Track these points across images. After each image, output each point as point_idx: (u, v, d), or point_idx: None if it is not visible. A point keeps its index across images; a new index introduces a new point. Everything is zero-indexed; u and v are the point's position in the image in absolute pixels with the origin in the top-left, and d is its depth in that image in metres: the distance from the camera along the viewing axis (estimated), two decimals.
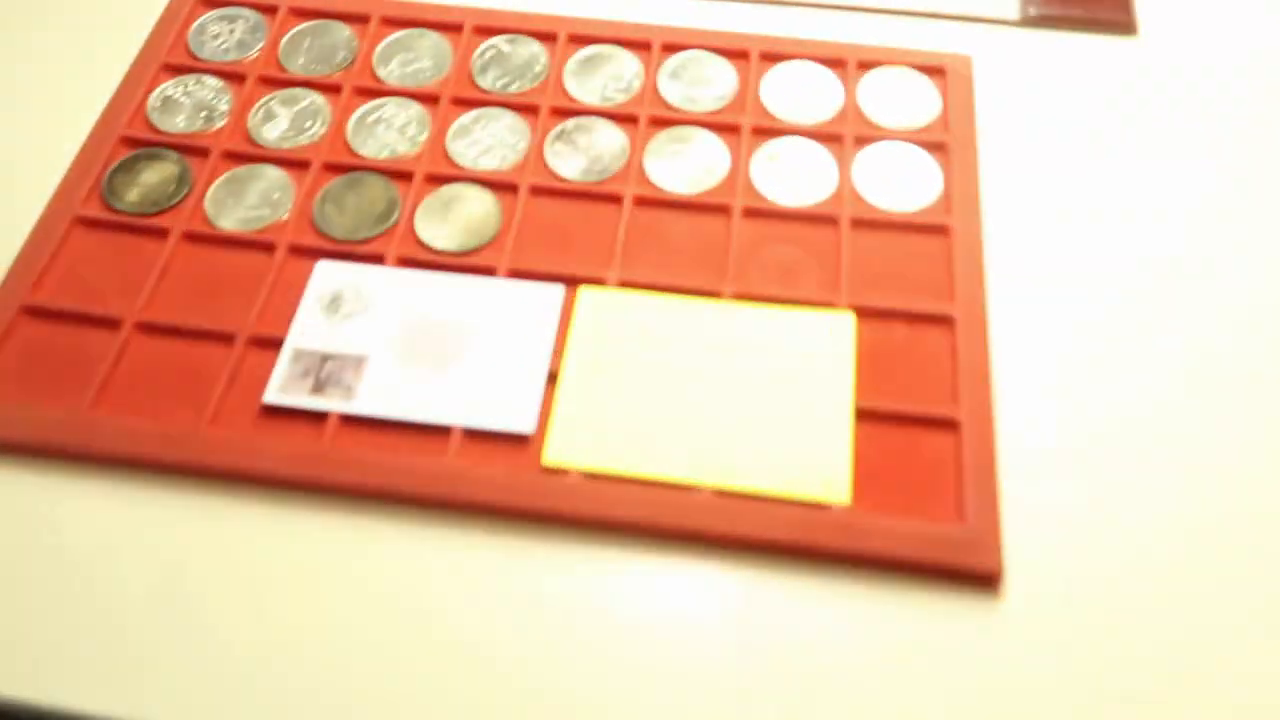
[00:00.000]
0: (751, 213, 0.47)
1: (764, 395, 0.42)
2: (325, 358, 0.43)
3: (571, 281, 0.45)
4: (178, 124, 0.51)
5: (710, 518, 0.39)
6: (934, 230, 0.47)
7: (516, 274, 0.46)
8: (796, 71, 0.52)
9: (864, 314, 0.44)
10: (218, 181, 0.49)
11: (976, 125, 0.50)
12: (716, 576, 0.38)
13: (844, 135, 0.50)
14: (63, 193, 0.48)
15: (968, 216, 0.47)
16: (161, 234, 0.47)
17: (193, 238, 0.47)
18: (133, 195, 0.48)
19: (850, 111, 0.51)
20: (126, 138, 0.50)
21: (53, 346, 0.44)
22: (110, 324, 0.44)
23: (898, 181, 0.48)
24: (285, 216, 0.48)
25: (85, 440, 0.41)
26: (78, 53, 0.55)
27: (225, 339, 0.44)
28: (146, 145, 0.50)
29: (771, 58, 0.53)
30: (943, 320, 0.44)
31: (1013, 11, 0.56)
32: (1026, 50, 0.54)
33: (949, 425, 0.41)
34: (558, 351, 0.43)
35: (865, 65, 0.52)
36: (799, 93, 0.51)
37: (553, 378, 0.42)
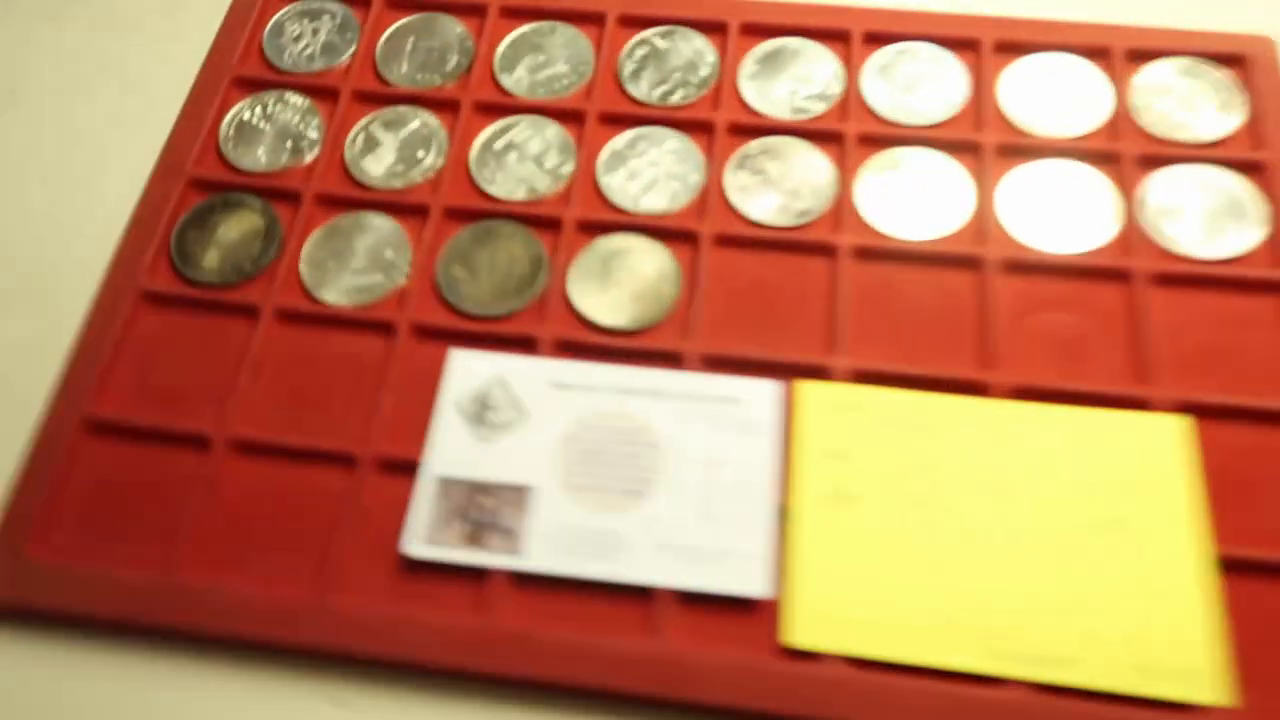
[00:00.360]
0: (1012, 266, 0.36)
1: (1074, 542, 0.31)
2: (476, 489, 0.33)
3: (786, 372, 0.34)
4: (258, 159, 0.40)
5: None
6: (1264, 288, 0.35)
7: (711, 362, 0.35)
8: (1045, 66, 0.40)
9: (1197, 414, 0.33)
10: (314, 236, 0.38)
11: None
12: None
13: (1120, 154, 0.38)
14: (123, 259, 0.38)
15: None
16: (249, 313, 0.37)
17: (289, 316, 0.37)
18: (210, 259, 0.38)
19: (1123, 120, 0.39)
20: (197, 179, 0.40)
21: (124, 477, 0.34)
22: (196, 443, 0.34)
23: (1200, 217, 0.36)
24: (402, 283, 0.37)
25: (174, 614, 0.31)
26: (129, 64, 0.44)
27: (343, 462, 0.34)
28: (222, 188, 0.39)
29: (1010, 48, 0.40)
30: None
31: None
32: None
33: None
34: (784, 475, 0.33)
35: (1137, 56, 0.40)
36: (1051, 95, 0.39)
37: (783, 514, 0.32)
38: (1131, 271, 0.35)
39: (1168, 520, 0.31)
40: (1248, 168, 0.37)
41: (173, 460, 0.34)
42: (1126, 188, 0.37)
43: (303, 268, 0.37)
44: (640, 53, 0.42)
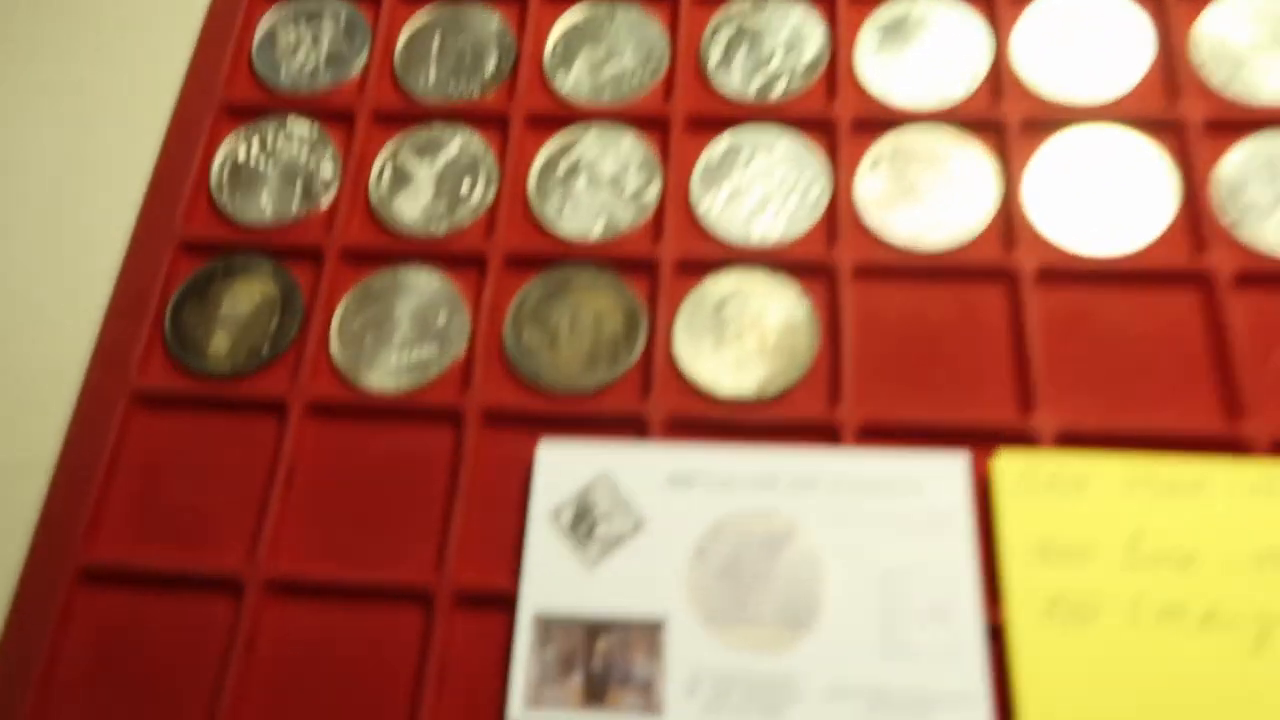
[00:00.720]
0: (1248, 277, 0.28)
1: None
2: (591, 629, 0.26)
3: (973, 439, 0.27)
4: (263, 209, 0.32)
5: None
6: None
7: (873, 433, 0.27)
8: (1243, 8, 0.32)
9: None
10: (344, 304, 0.30)
11: None
12: None
13: None
14: (108, 352, 0.30)
15: None
16: (274, 409, 0.29)
17: (325, 410, 0.29)
18: (218, 343, 0.30)
19: None
20: (189, 242, 0.31)
21: (135, 637, 0.26)
22: (224, 586, 0.27)
23: None
24: (461, 355, 0.30)
25: None
26: (88, 99, 0.35)
27: (415, 599, 0.26)
28: (222, 249, 0.31)
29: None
30: None
31: None
32: None
33: None
34: (989, 583, 0.25)
35: None
36: (1250, 49, 0.31)
37: (995, 634, 0.25)
38: None
39: None
40: None
41: (196, 610, 0.27)
42: None
43: (334, 345, 0.30)
44: (726, 34, 0.33)
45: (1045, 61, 0.31)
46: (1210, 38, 0.31)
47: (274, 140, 0.33)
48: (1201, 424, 0.26)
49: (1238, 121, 0.30)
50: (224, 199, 0.32)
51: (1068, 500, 0.26)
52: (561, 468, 0.27)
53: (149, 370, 0.30)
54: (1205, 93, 0.31)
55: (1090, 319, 0.28)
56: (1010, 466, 0.26)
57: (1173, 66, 0.31)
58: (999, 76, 0.31)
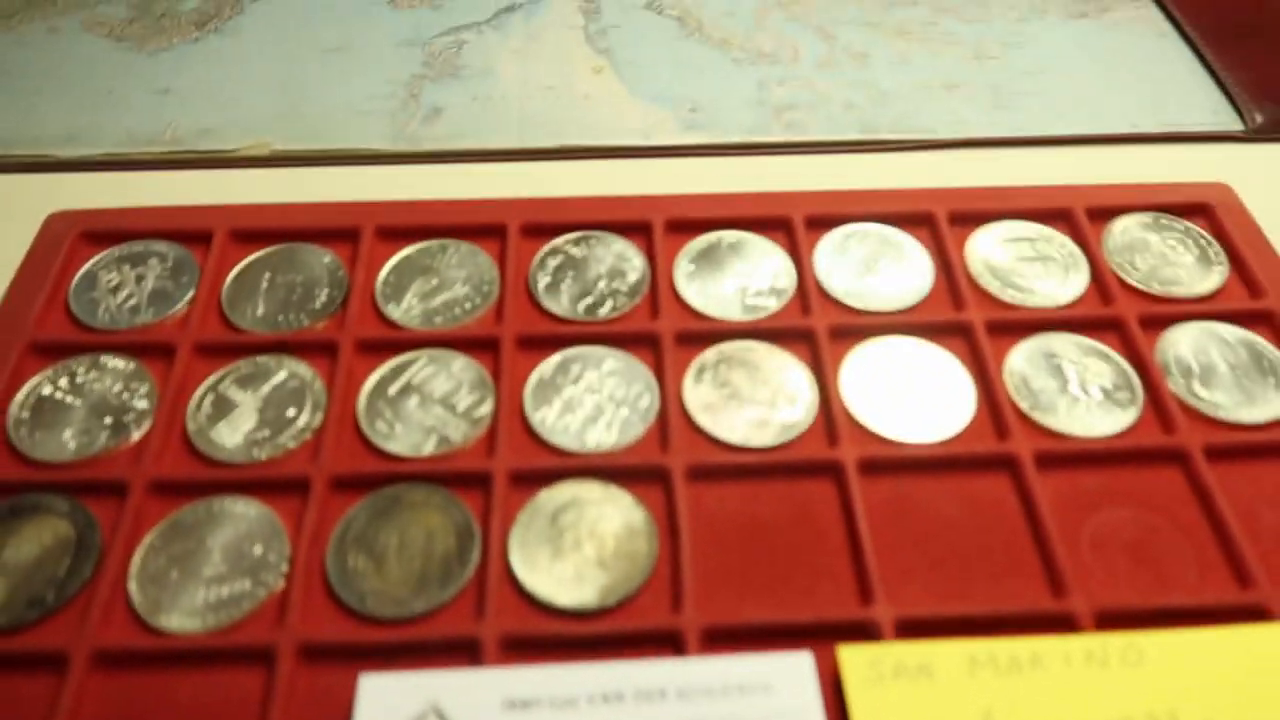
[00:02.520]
0: (1047, 459, 0.30)
1: None
2: None
3: (817, 635, 0.26)
4: (64, 444, 0.30)
5: None
6: None
7: (717, 637, 0.26)
8: (1001, 233, 0.37)
9: None
10: (148, 541, 0.28)
11: None
12: None
13: (1124, 318, 0.33)
14: None
15: None
16: (53, 664, 0.25)
17: (114, 660, 0.25)
18: None
19: (1109, 281, 0.34)
20: None
21: None
22: None
23: (1228, 378, 0.31)
24: (280, 587, 0.27)
25: None
26: None
27: None
28: (13, 490, 0.29)
29: (969, 219, 0.37)
30: None
31: (1233, 121, 0.42)
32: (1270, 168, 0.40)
33: None
34: None
35: (1099, 213, 0.37)
36: (1016, 260, 0.35)
37: None
38: (1189, 449, 0.30)
39: None
40: (1253, 319, 0.34)
41: None
42: (1140, 353, 0.32)
43: (133, 586, 0.27)
44: (553, 263, 0.35)
45: (843, 279, 0.34)
46: (979, 256, 0.35)
47: (85, 376, 0.31)
48: (1029, 602, 0.27)
49: (1015, 323, 0.33)
50: (20, 435, 0.30)
51: (917, 687, 0.25)
52: (387, 702, 0.25)
53: None
54: (983, 301, 0.34)
55: (915, 507, 0.29)
56: (856, 659, 0.25)
57: (953, 279, 0.35)
58: (805, 291, 0.34)
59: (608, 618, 0.27)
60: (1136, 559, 0.28)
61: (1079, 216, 0.36)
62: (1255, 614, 0.26)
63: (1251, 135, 0.41)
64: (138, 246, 0.35)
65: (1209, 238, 0.36)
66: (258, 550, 0.28)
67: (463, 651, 0.26)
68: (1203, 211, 0.36)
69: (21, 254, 0.35)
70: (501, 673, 0.25)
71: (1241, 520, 0.28)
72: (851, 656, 0.25)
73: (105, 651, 0.26)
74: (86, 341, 0.32)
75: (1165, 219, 0.36)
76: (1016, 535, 0.28)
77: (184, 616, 0.26)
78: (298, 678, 0.25)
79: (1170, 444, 0.30)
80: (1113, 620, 0.26)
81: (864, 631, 0.26)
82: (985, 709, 0.24)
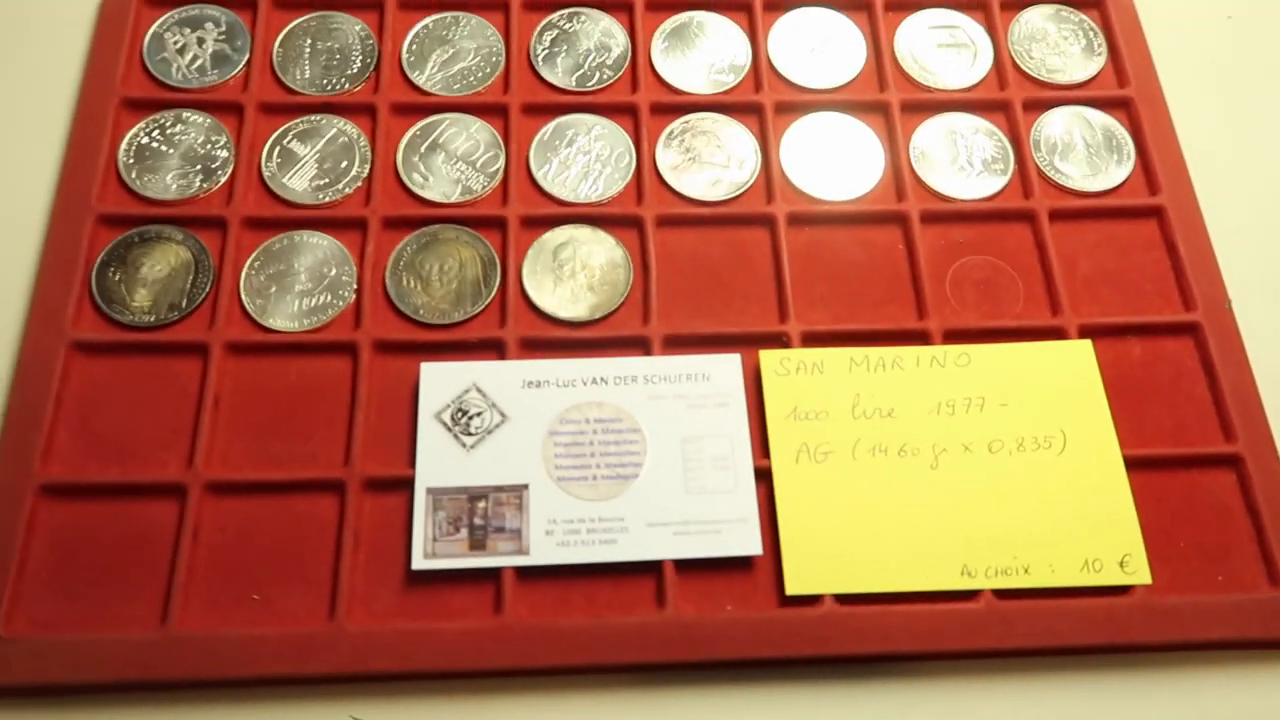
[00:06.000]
0: (930, 217, 0.39)
1: (1017, 464, 0.34)
2: (472, 496, 0.34)
3: (745, 343, 0.37)
4: (168, 186, 0.38)
5: (1000, 631, 0.32)
6: (1143, 213, 0.39)
7: (673, 342, 0.36)
8: (927, 20, 0.43)
9: (1096, 335, 0.37)
10: (250, 262, 0.37)
11: (1157, 70, 0.42)
12: (1018, 697, 0.32)
13: (1011, 101, 0.41)
14: (43, 311, 0.35)
15: (1179, 192, 0.40)
16: (197, 351, 0.35)
17: (241, 349, 0.36)
18: (141, 298, 0.36)
19: (1008, 67, 0.42)
20: (105, 216, 0.37)
21: (96, 538, 0.33)
22: (170, 492, 0.33)
23: (1082, 154, 0.40)
24: (352, 299, 0.37)
25: (177, 667, 0.31)
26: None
27: (331, 489, 0.34)
28: (136, 222, 0.37)
29: (900, 6, 0.43)
30: (1184, 329, 0.37)
31: None
32: None
33: (1227, 462, 0.35)
34: (757, 441, 0.35)
35: (1011, 4, 0.43)
36: (935, 47, 0.42)
37: (762, 475, 0.35)
38: (1037, 211, 0.39)
39: (1087, 428, 0.35)
40: (1113, 104, 0.41)
41: (147, 514, 0.33)
42: (1019, 132, 0.40)
43: (244, 297, 0.36)
44: (550, 37, 0.41)
45: (791, 61, 0.41)
46: (905, 41, 0.42)
47: (173, 128, 0.39)
48: (899, 323, 0.37)
49: (925, 103, 0.41)
50: (132, 179, 0.38)
51: (811, 380, 0.36)
52: (441, 381, 0.35)
53: (82, 324, 0.36)
54: (903, 83, 0.41)
55: (826, 250, 0.38)
56: (771, 359, 0.36)
57: (880, 64, 0.42)
58: (758, 70, 0.41)
59: (595, 327, 0.37)
60: (981, 293, 0.38)
61: (993, 6, 0.43)
62: (1057, 334, 0.37)
63: None
64: (193, 10, 0.41)
65: (1096, 29, 0.43)
66: (333, 272, 0.37)
67: (492, 349, 0.36)
68: (1096, 5, 0.43)
69: (90, 10, 0.41)
70: (521, 364, 0.35)
71: (1063, 266, 0.38)
72: (767, 357, 0.36)
73: (234, 343, 0.35)
74: (168, 99, 0.39)
75: (1065, 10, 0.43)
76: (899, 274, 0.38)
77: (285, 319, 0.36)
78: (374, 364, 0.36)
79: (1025, 207, 0.39)
80: (956, 336, 0.37)
81: (778, 340, 0.37)
82: (855, 395, 0.35)
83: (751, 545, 0.33)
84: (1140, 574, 0.33)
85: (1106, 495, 0.34)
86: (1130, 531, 0.34)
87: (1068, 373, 0.36)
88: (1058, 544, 0.33)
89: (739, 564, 0.33)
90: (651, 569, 0.33)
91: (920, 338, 0.37)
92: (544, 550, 0.33)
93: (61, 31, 0.41)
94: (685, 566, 0.33)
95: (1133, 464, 0.35)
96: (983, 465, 0.35)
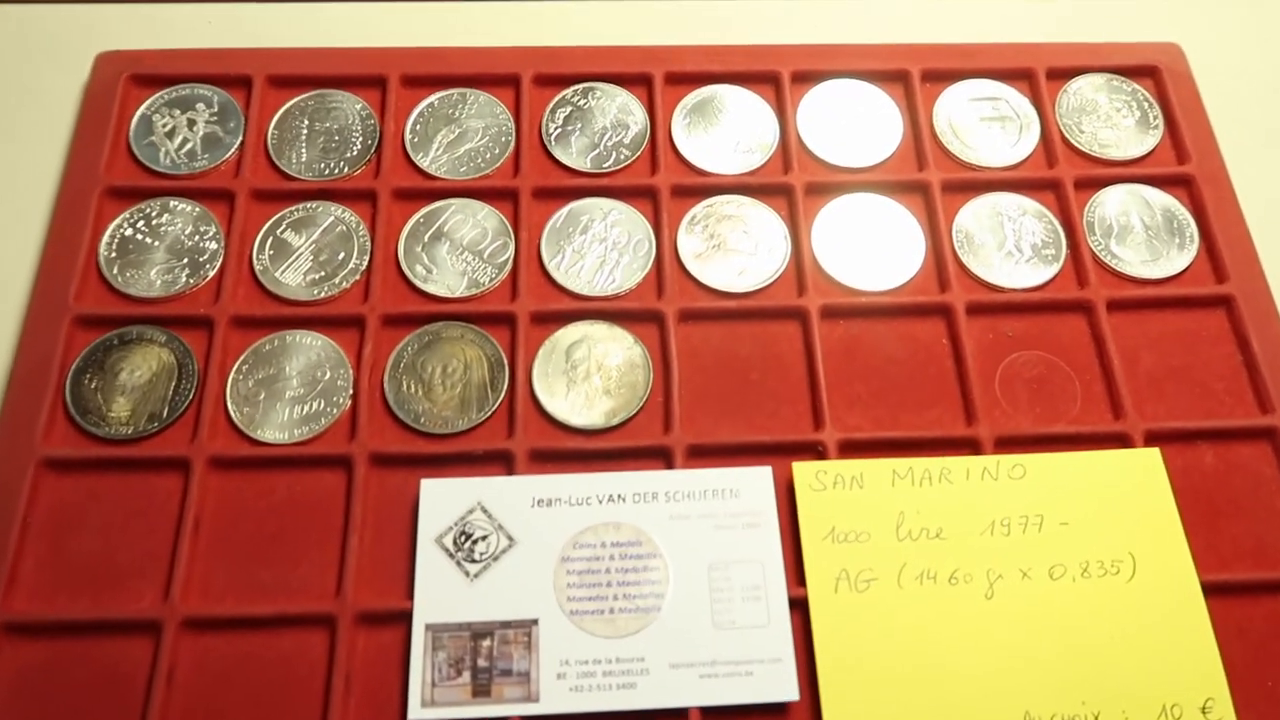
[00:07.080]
0: (977, 308, 0.36)
1: (1083, 591, 0.31)
2: (478, 634, 0.31)
3: (777, 452, 0.33)
4: (152, 281, 0.35)
5: None
6: (1210, 303, 0.36)
7: (698, 453, 0.33)
8: (972, 91, 0.40)
9: (1163, 441, 0.33)
10: (238, 365, 0.34)
11: (1219, 144, 0.39)
12: None
13: (1062, 180, 0.38)
14: (11, 422, 0.33)
15: (1249, 279, 0.36)
16: (177, 466, 0.32)
17: (226, 464, 0.33)
18: (119, 407, 0.33)
19: (1056, 143, 0.39)
20: (82, 317, 0.34)
21: (60, 679, 0.30)
22: (142, 629, 0.30)
23: (1141, 238, 0.37)
24: (348, 405, 0.34)
25: None
26: None
27: (320, 623, 0.30)
28: (117, 323, 0.35)
29: (941, 77, 0.40)
30: (1260, 434, 0.34)
31: None
32: (1239, 26, 0.43)
33: None
34: (791, 566, 0.32)
35: (1058, 74, 0.40)
36: (977, 121, 0.39)
37: (797, 605, 0.31)
38: (1094, 302, 0.35)
39: (1161, 556, 0.31)
40: (1172, 182, 0.38)
41: (117, 653, 0.30)
42: (1070, 214, 0.37)
43: (230, 405, 0.33)
44: (563, 114, 0.39)
45: (822, 137, 0.38)
46: (944, 114, 0.39)
47: (159, 218, 0.36)
48: (945, 429, 0.34)
49: (968, 182, 0.38)
50: (113, 275, 0.35)
51: (850, 495, 0.32)
52: (442, 500, 0.32)
53: (53, 438, 0.33)
54: (943, 160, 0.38)
55: (863, 346, 0.35)
56: (806, 472, 0.33)
57: (919, 139, 0.39)
58: (787, 147, 0.38)
59: (612, 435, 0.34)
60: (1034, 393, 0.34)
61: (1039, 77, 0.40)
62: (1120, 441, 0.34)
63: None
64: (184, 90, 0.38)
65: (1151, 100, 0.40)
66: (327, 375, 0.34)
67: (499, 462, 0.33)
68: (1150, 74, 0.40)
69: (74, 91, 0.38)
70: (530, 479, 0.32)
71: (1124, 362, 0.35)
72: (802, 470, 0.33)
73: (218, 457, 0.33)
74: (154, 186, 0.37)
75: (1117, 80, 0.40)
76: (943, 373, 0.35)
77: (275, 430, 0.33)
78: (370, 479, 0.33)
79: (1080, 297, 0.36)
80: (1008, 444, 0.33)
81: (814, 450, 0.33)
82: (899, 513, 0.32)
83: (787, 690, 0.30)
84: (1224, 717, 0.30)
85: (1184, 628, 0.31)
86: (1212, 670, 0.30)
87: (1134, 485, 0.33)
88: (1131, 687, 0.30)
89: (773, 710, 0.30)
90: (676, 717, 0.30)
91: (970, 446, 0.33)
92: (555, 697, 0.30)
93: (44, 114, 0.38)
94: (713, 713, 0.30)
95: (1211, 590, 0.31)
96: (1043, 594, 0.31)
